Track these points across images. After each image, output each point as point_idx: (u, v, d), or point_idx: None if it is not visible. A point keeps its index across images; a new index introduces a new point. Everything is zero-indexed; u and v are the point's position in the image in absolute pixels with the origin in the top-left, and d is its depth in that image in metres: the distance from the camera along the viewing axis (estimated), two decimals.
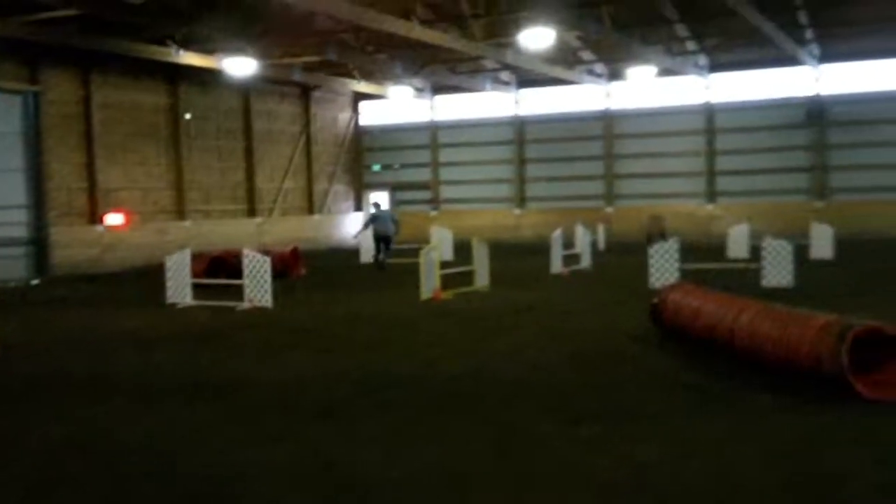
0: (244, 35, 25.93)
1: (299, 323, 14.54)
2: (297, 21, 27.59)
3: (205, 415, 8.27)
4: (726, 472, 6.19)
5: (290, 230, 36.22)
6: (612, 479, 6.14)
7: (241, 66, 27.38)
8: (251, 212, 36.06)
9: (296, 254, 23.56)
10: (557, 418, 7.80)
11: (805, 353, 8.41)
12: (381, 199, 40.09)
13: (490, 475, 6.29)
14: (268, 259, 16.55)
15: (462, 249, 23.63)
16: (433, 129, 42.26)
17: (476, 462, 6.58)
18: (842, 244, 24.89)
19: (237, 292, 16.76)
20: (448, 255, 25.77)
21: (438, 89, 41.29)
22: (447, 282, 18.13)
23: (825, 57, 35.04)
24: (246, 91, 35.52)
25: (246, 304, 16.40)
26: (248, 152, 36.16)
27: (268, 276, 16.40)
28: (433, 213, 41.42)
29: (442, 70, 35.98)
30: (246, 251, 16.98)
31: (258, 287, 16.48)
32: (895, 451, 6.54)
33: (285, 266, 22.22)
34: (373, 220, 25.17)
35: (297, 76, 33.87)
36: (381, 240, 24.78)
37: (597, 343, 11.74)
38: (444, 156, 42.28)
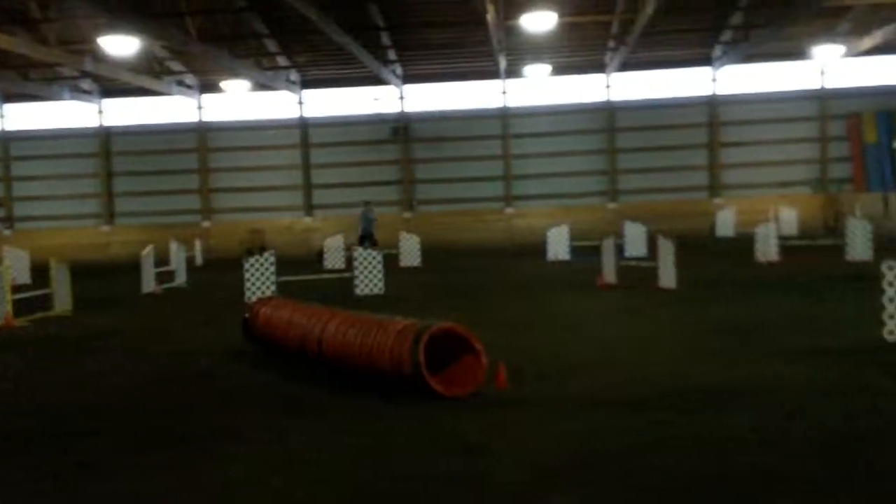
0: None
1: None
2: None
3: None
4: (304, 485, 6.10)
5: None
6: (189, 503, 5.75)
7: None
8: None
9: None
10: (137, 444, 7.20)
11: (387, 357, 8.66)
12: None
13: None
14: None
15: (42, 272, 21.45)
16: (4, 140, 38.22)
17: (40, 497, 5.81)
18: (428, 252, 26.66)
19: None
20: (24, 278, 23.39)
21: (9, 97, 37.44)
22: (22, 307, 16.30)
23: (409, 77, 37.54)
24: None
25: None
26: None
27: None
28: (6, 233, 37.35)
29: (12, 76, 32.56)
30: None
31: None
32: (462, 441, 6.90)
33: None
34: None
35: None
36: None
37: (186, 363, 11.18)
38: (19, 170, 38.38)
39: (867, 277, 12.25)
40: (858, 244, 21.14)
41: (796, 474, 5.84)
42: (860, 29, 31.84)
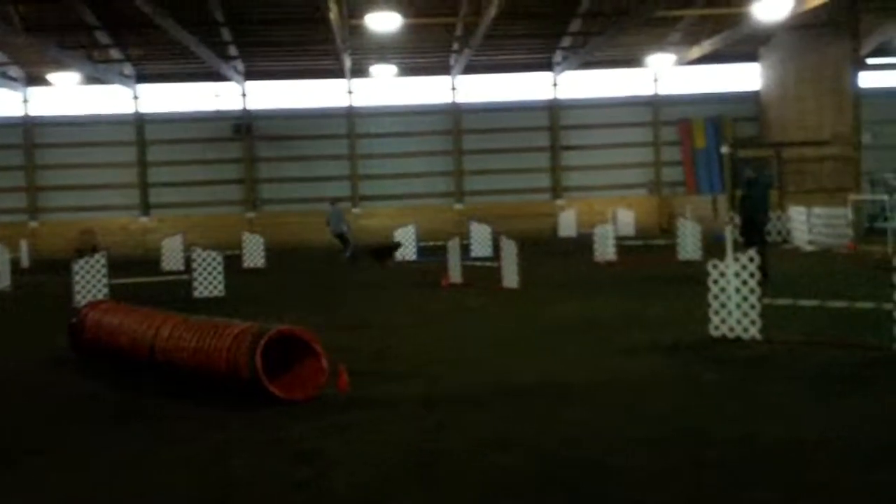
0: None
1: None
2: None
3: None
4: (134, 497, 5.76)
5: None
6: None
7: None
8: None
9: None
10: None
11: (223, 362, 8.35)
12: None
13: None
14: None
15: None
16: None
17: None
18: (272, 253, 26.10)
19: None
20: None
21: None
22: None
23: (251, 74, 36.66)
24: None
25: None
26: None
27: None
28: None
29: None
30: None
31: None
32: (299, 446, 6.72)
33: None
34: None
35: None
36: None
37: (5, 371, 10.41)
38: None
39: (696, 276, 12.85)
40: (689, 244, 22.20)
41: (624, 467, 5.98)
42: (690, 39, 33.54)
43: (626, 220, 34.59)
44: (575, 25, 34.62)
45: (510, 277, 17.05)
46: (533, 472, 5.99)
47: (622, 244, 24.92)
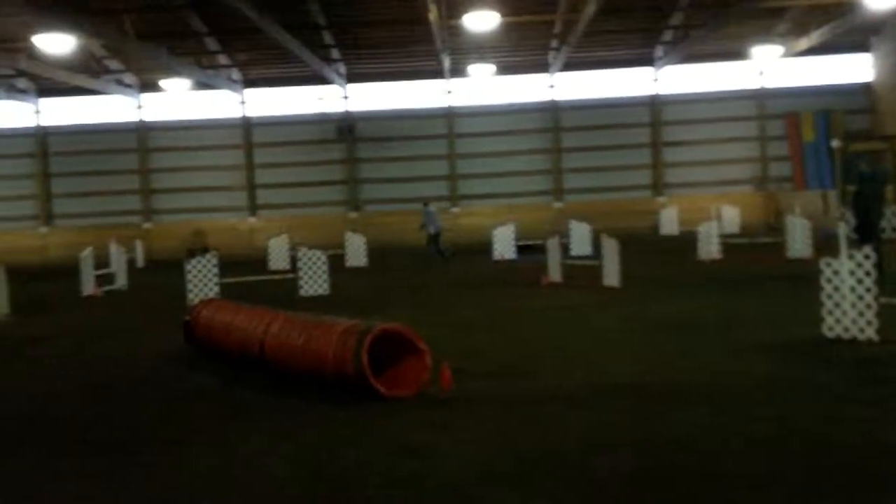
0: None
1: None
2: None
3: None
4: (250, 488, 5.96)
5: None
6: None
7: None
8: None
9: None
10: (68, 452, 6.98)
11: (330, 359, 8.54)
12: None
13: None
14: None
15: None
16: None
17: None
18: (373, 252, 26.51)
19: None
20: None
21: None
22: None
23: (353, 77, 37.31)
24: None
25: None
26: None
27: None
28: None
29: None
30: None
31: None
32: (406, 441, 6.83)
33: None
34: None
35: None
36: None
37: (124, 368, 10.90)
38: None
39: (807, 274, 12.45)
40: (798, 242, 21.53)
41: (737, 469, 5.87)
42: (797, 29, 32.50)
43: (731, 217, 33.73)
44: (676, 19, 33.98)
45: (611, 276, 16.87)
46: (641, 472, 5.93)
47: (726, 242, 24.33)
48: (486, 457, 6.39)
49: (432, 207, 27.96)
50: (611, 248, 16.98)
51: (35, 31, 22.39)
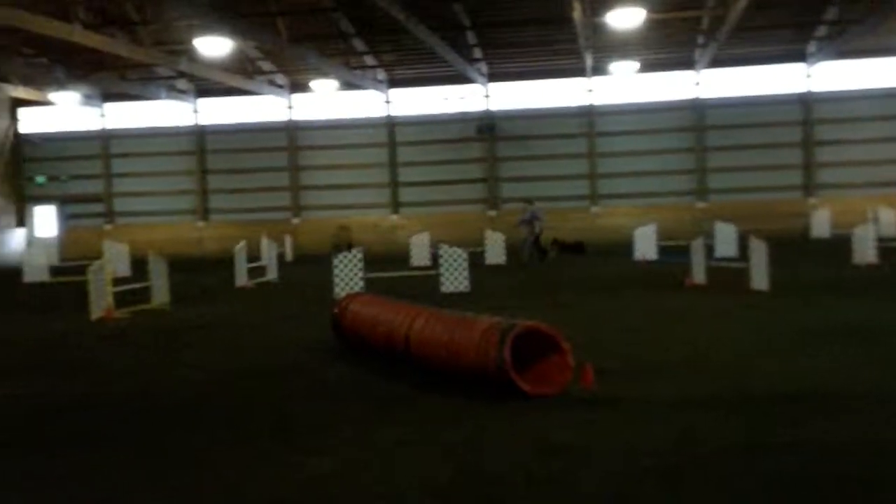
0: None
1: None
2: None
3: None
4: (394, 479, 6.19)
5: None
6: (279, 495, 5.90)
7: None
8: None
9: None
10: (226, 436, 7.43)
11: (472, 355, 8.71)
12: (49, 213, 37.16)
13: (142, 498, 5.82)
14: None
15: (140, 265, 22.30)
16: (104, 138, 39.67)
17: (130, 482, 6.04)
18: (513, 250, 26.62)
19: None
20: (124, 271, 24.30)
21: (109, 97, 38.89)
22: (122, 300, 16.96)
23: (494, 76, 37.56)
24: None
25: None
26: None
27: None
28: (107, 227, 38.81)
29: (111, 76, 33.84)
30: None
31: None
32: (549, 440, 6.91)
33: None
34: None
35: None
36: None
37: (276, 356, 11.45)
38: (118, 166, 39.84)
39: None
40: None
41: None
42: None
43: (889, 219, 31.99)
44: (831, 13, 32.50)
45: (759, 279, 16.37)
46: (789, 477, 5.81)
47: (884, 246, 23.13)
48: (633, 459, 6.39)
49: (538, 206, 27.52)
50: (759, 250, 16.49)
51: (197, 35, 23.70)
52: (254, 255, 23.17)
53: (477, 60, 36.02)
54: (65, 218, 39.61)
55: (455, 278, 18.75)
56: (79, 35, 23.42)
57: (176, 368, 10.98)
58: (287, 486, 6.10)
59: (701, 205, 36.45)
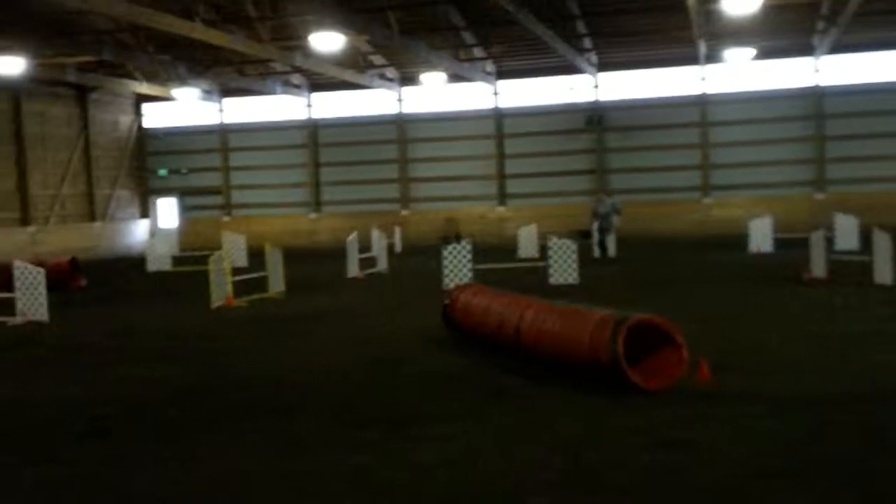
0: (9, 31, 24.03)
1: (74, 337, 13.58)
2: (67, 18, 25.92)
3: None
4: (509, 469, 6.27)
5: (70, 239, 34.01)
6: (389, 482, 6.06)
7: (7, 65, 25.29)
8: (24, 220, 33.56)
9: (74, 264, 22.14)
10: (343, 422, 7.67)
11: (585, 347, 8.71)
12: (170, 205, 38.73)
13: (266, 481, 6.07)
14: (41, 270, 15.63)
15: (256, 256, 23.07)
16: (223, 132, 41.02)
17: (256, 466, 6.31)
18: (625, 243, 26.33)
19: (9, 306, 15.64)
20: (241, 261, 25.14)
21: (227, 92, 40.18)
22: (240, 289, 17.61)
23: (604, 65, 37.08)
24: (15, 92, 33.03)
25: (19, 319, 15.42)
26: (20, 157, 33.68)
27: (42, 289, 15.46)
28: (225, 219, 40.20)
29: (229, 72, 34.99)
30: (17, 263, 16.03)
31: (32, 300, 15.50)
32: (664, 434, 6.87)
33: (63, 277, 20.89)
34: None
35: (72, 77, 31.81)
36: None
37: (389, 346, 11.71)
38: (235, 160, 41.15)
39: None
40: None
41: None
42: None
43: None
44: None
45: (883, 273, 15.74)
46: None
47: None
48: (752, 453, 6.29)
49: (615, 198, 26.79)
50: (883, 242, 15.85)
51: (311, 31, 24.26)
52: (364, 246, 23.59)
53: (586, 50, 35.60)
54: (185, 210, 41.22)
55: (564, 271, 18.70)
56: (199, 32, 24.25)
57: (288, 356, 11.35)
58: (398, 473, 6.24)
59: (819, 196, 35.14)
